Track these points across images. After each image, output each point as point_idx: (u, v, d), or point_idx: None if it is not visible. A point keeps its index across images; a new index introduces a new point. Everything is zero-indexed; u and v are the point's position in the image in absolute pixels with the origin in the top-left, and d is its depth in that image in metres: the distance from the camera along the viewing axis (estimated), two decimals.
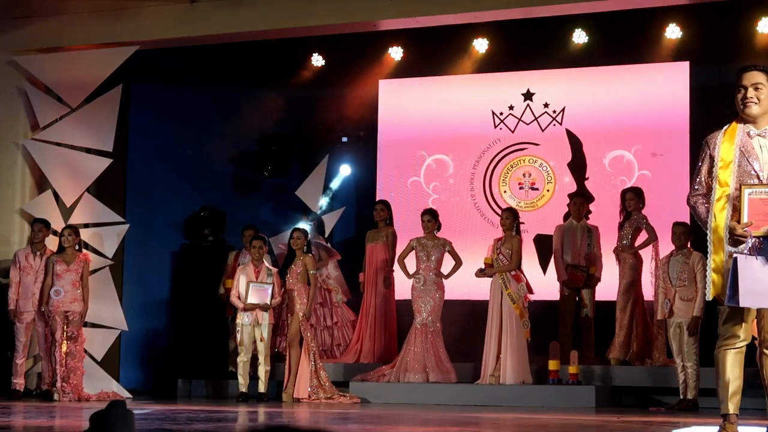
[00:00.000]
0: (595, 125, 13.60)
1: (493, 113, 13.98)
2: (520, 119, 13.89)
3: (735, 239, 5.81)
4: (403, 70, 14.33)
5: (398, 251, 12.57)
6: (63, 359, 11.61)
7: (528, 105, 13.88)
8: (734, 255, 5.75)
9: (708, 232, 5.91)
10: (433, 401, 11.31)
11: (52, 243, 12.36)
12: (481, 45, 13.78)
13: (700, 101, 12.92)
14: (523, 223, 12.75)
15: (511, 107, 13.93)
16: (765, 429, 6.20)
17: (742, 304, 5.73)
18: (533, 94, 13.86)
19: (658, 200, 12.78)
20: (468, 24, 12.85)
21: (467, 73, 14.05)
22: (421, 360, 11.84)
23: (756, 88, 5.99)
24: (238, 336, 11.95)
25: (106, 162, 13.10)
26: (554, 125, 13.76)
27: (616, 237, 12.04)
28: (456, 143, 14.12)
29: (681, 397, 10.68)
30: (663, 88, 13.31)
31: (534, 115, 13.84)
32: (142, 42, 12.79)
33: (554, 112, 13.77)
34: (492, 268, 11.69)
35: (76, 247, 12.01)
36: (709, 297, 5.92)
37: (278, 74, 14.57)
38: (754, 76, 6.01)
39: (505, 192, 13.87)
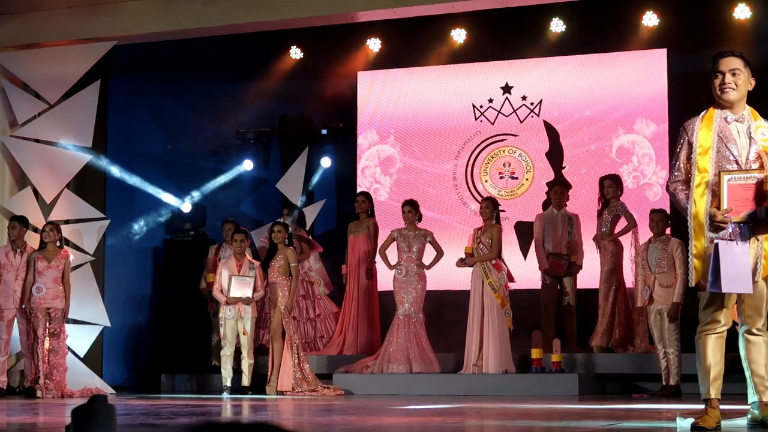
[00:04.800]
0: (572, 114, 13.63)
1: (474, 106, 13.99)
2: (499, 111, 13.90)
3: (715, 225, 5.82)
4: (382, 62, 14.34)
5: (380, 243, 12.58)
6: (45, 356, 11.58)
7: (507, 98, 13.89)
8: (715, 241, 5.78)
9: (688, 218, 5.91)
10: (417, 392, 11.33)
11: (33, 240, 12.31)
12: (458, 35, 13.79)
13: (678, 88, 12.96)
14: (503, 210, 12.78)
15: (490, 100, 13.94)
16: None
17: (724, 290, 5.73)
18: (512, 87, 13.87)
19: (636, 187, 12.83)
20: (445, 14, 12.88)
21: (445, 63, 14.07)
22: (404, 351, 11.86)
23: (734, 74, 6.00)
24: (222, 330, 11.95)
25: (85, 158, 13.08)
26: (532, 117, 13.78)
27: (596, 225, 12.08)
28: (437, 134, 14.12)
29: (663, 383, 10.74)
30: (640, 75, 13.35)
31: (512, 107, 13.87)
32: (120, 37, 12.78)
33: (532, 104, 13.79)
34: (472, 257, 11.71)
35: (57, 244, 11.96)
36: (692, 283, 5.92)
37: (257, 68, 14.56)
38: (732, 62, 6.02)
39: (486, 182, 13.89)
